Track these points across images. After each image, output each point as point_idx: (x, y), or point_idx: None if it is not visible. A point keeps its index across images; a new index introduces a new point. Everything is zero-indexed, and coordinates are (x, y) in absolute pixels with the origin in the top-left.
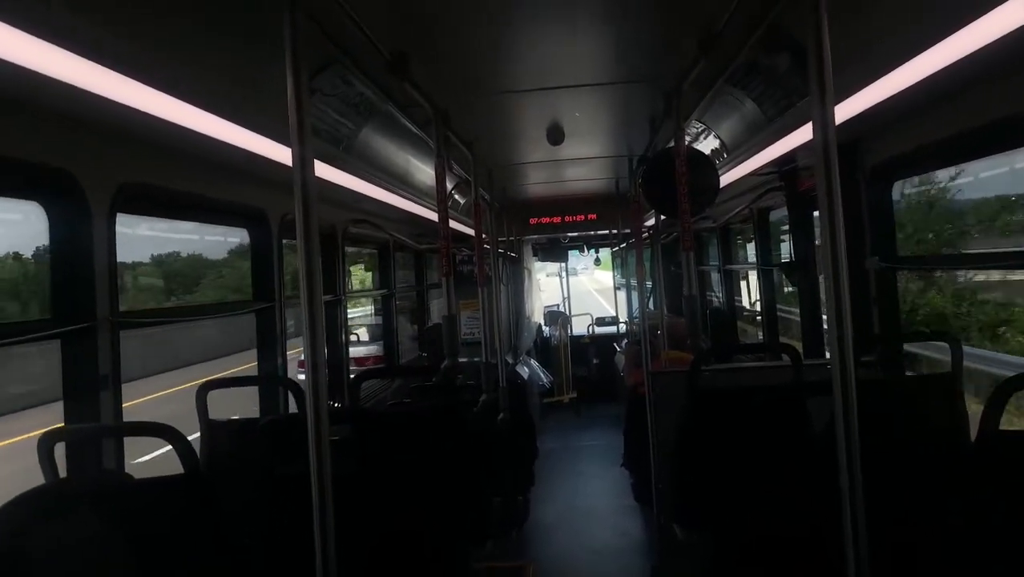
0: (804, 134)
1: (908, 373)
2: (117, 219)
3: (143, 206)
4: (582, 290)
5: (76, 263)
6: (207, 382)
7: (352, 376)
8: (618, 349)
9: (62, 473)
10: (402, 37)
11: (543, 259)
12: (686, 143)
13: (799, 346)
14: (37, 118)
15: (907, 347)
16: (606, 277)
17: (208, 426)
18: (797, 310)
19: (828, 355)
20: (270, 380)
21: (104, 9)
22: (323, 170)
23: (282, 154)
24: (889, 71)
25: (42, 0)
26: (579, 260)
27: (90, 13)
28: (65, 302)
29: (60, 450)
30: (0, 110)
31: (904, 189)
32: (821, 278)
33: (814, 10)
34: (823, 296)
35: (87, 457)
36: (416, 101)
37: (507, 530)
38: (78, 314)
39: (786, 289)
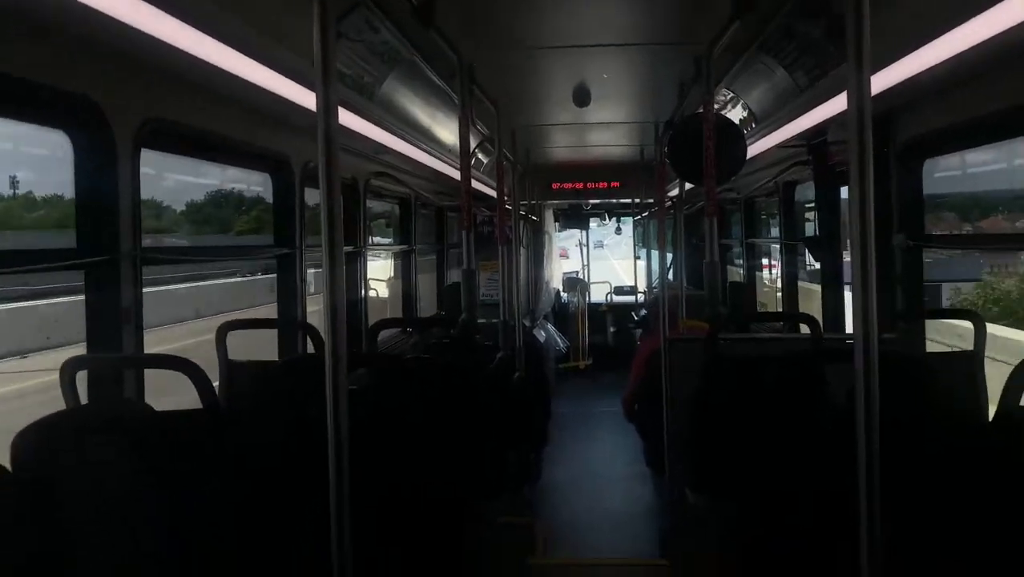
0: (835, 106)
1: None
2: (141, 155)
3: (167, 143)
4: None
5: (100, 196)
6: (227, 323)
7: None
8: (635, 317)
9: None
10: None
11: (564, 226)
12: (714, 110)
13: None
14: (65, 46)
15: None
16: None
17: (227, 366)
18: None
19: (849, 330)
20: (289, 324)
21: None
22: (346, 118)
23: (306, 99)
24: (927, 42)
25: None
26: (605, 233)
27: None
28: (89, 234)
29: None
30: (29, 36)
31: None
32: (846, 254)
33: None
34: (847, 272)
35: (108, 386)
36: (442, 51)
37: (520, 486)
38: (102, 247)
39: (808, 267)
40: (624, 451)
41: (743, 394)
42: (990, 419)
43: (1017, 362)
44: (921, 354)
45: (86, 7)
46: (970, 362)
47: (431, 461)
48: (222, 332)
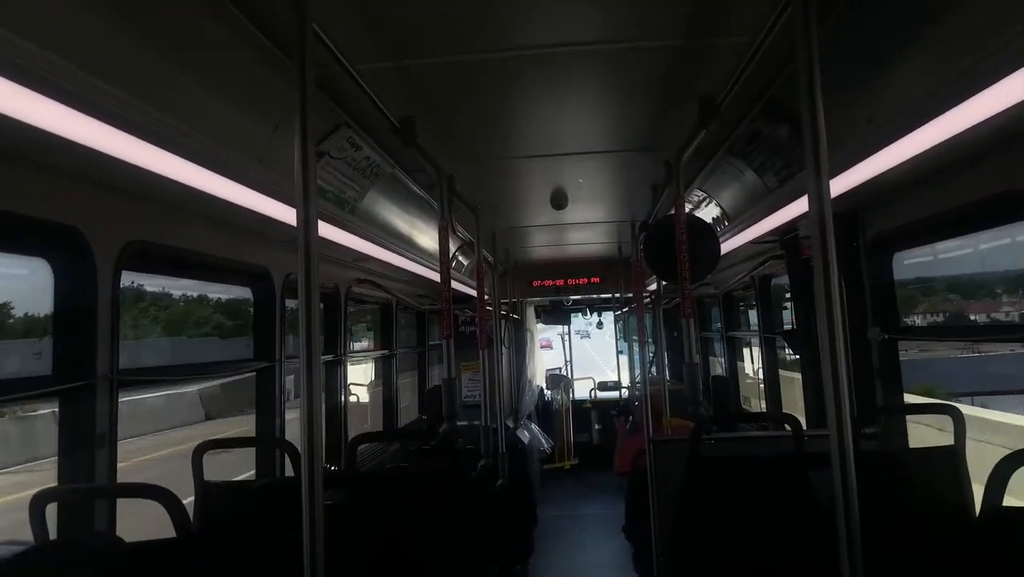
0: (805, 204)
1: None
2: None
3: (148, 264)
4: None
5: (79, 320)
6: (203, 443)
7: (350, 438)
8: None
9: (52, 534)
10: (409, 103)
11: (546, 321)
12: (687, 210)
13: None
14: (47, 176)
15: None
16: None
17: (203, 487)
18: (796, 375)
19: None
20: (267, 442)
21: (115, 72)
22: (328, 230)
23: (287, 214)
24: (888, 144)
25: (53, 62)
26: (589, 323)
27: (101, 76)
28: (66, 359)
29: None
30: (11, 167)
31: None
32: None
33: (808, 86)
34: None
35: (79, 518)
36: (422, 165)
37: None
38: (78, 371)
39: (788, 357)
40: (612, 556)
41: (728, 497)
42: (976, 515)
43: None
44: (903, 449)
45: (70, 141)
46: (952, 456)
47: (413, 576)
48: (198, 453)
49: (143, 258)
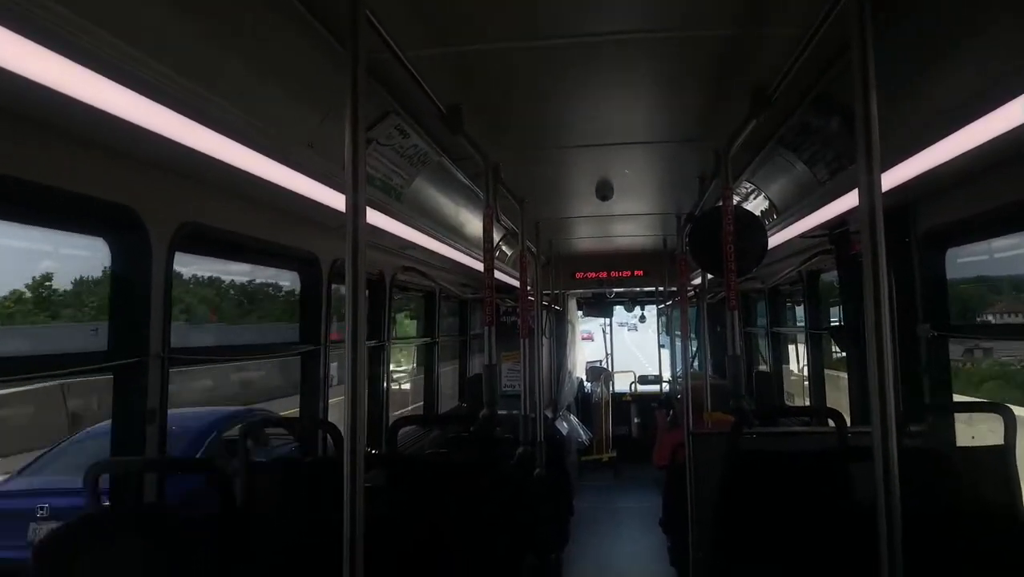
0: (855, 198)
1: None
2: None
3: (200, 245)
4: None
5: (133, 298)
6: (250, 422)
7: (391, 422)
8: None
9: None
10: (457, 91)
11: (587, 314)
12: (735, 203)
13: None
14: (106, 157)
15: None
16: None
17: (248, 465)
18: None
19: None
20: (310, 422)
21: (176, 57)
22: (375, 217)
23: (336, 200)
24: (942, 138)
25: (114, 46)
26: (632, 318)
27: (159, 60)
28: (120, 336)
29: None
30: (72, 148)
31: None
32: None
33: (863, 78)
34: None
35: (130, 489)
36: (468, 154)
37: None
38: (131, 348)
39: (834, 355)
40: (648, 549)
41: (768, 493)
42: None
43: None
44: (949, 448)
45: (129, 122)
46: (1000, 456)
47: (448, 562)
48: (244, 432)
49: (196, 239)
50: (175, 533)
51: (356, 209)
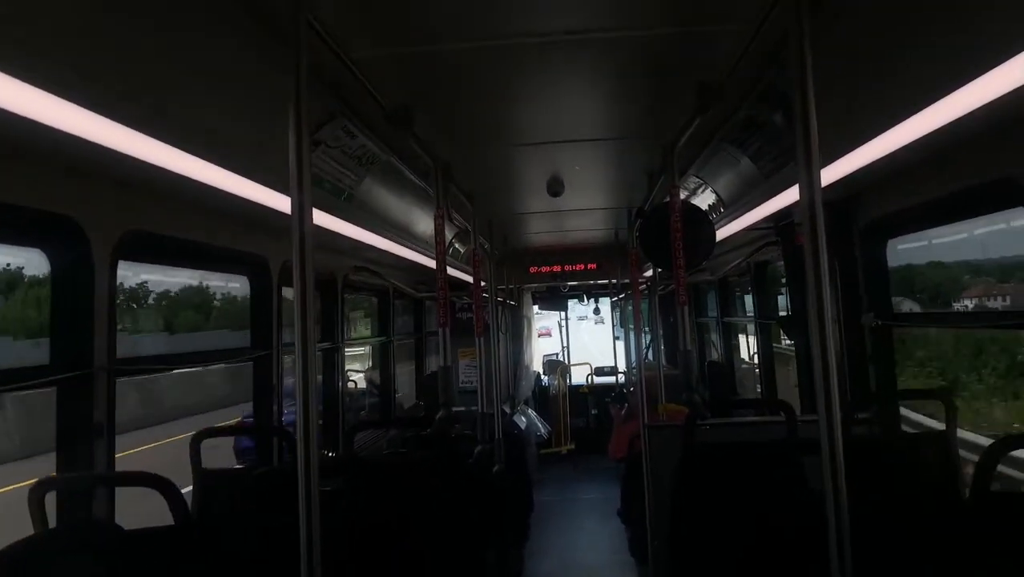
0: (798, 192)
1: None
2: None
3: (146, 253)
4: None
5: (76, 310)
6: (201, 431)
7: (347, 426)
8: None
9: (52, 523)
10: (404, 91)
11: (543, 308)
12: (683, 197)
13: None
14: (44, 167)
15: None
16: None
17: (200, 476)
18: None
19: None
20: (264, 429)
21: (110, 64)
22: (324, 219)
23: (283, 203)
24: (881, 132)
25: (48, 55)
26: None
27: (96, 68)
28: (63, 349)
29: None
30: (8, 159)
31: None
32: None
33: (801, 77)
34: None
35: (78, 506)
36: (418, 153)
37: None
38: (75, 361)
39: (784, 343)
40: (607, 540)
41: (722, 482)
42: (964, 501)
43: None
44: (894, 435)
45: (66, 133)
46: (944, 442)
47: (409, 562)
48: (196, 441)
49: (140, 248)
50: (127, 549)
51: (302, 210)
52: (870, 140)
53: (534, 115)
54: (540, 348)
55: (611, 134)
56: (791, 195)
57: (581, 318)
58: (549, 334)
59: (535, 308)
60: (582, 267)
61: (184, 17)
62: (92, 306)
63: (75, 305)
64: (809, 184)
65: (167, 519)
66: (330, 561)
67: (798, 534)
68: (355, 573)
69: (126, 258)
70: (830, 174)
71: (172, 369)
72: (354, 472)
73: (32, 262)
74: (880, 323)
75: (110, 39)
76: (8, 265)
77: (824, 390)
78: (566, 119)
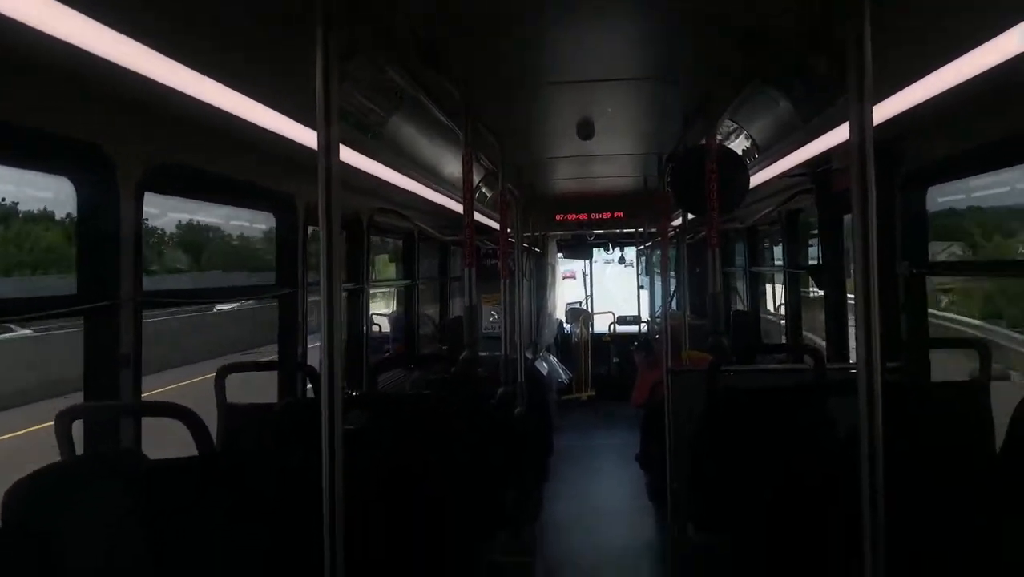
0: (838, 136)
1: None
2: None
3: (171, 185)
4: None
5: (102, 241)
6: (226, 366)
7: (371, 364)
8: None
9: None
10: (434, 26)
11: (567, 256)
12: (717, 141)
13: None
14: (70, 92)
15: None
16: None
17: (225, 410)
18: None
19: (853, 359)
20: (288, 366)
21: None
22: (350, 156)
23: (311, 138)
24: (930, 72)
25: None
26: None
27: None
28: (89, 279)
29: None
30: (34, 82)
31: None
32: (849, 282)
33: (857, 9)
34: (851, 300)
35: (104, 436)
36: (446, 91)
37: (519, 524)
38: (102, 292)
39: (810, 293)
40: (626, 485)
41: (745, 427)
42: (997, 452)
43: None
44: (926, 384)
45: (89, 54)
46: (976, 392)
47: (430, 501)
48: (221, 376)
49: (167, 179)
50: (151, 479)
51: (329, 146)
52: (916, 80)
53: (566, 52)
54: (564, 295)
55: (646, 74)
56: (830, 140)
57: (607, 261)
58: (573, 277)
59: (559, 255)
60: (609, 215)
61: None
62: (119, 237)
63: (101, 236)
64: (860, 122)
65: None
66: (352, 499)
67: (823, 480)
68: (377, 511)
69: (153, 189)
70: (876, 115)
71: (198, 302)
72: (377, 410)
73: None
74: (915, 272)
75: None
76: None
77: (865, 337)
78: (598, 57)
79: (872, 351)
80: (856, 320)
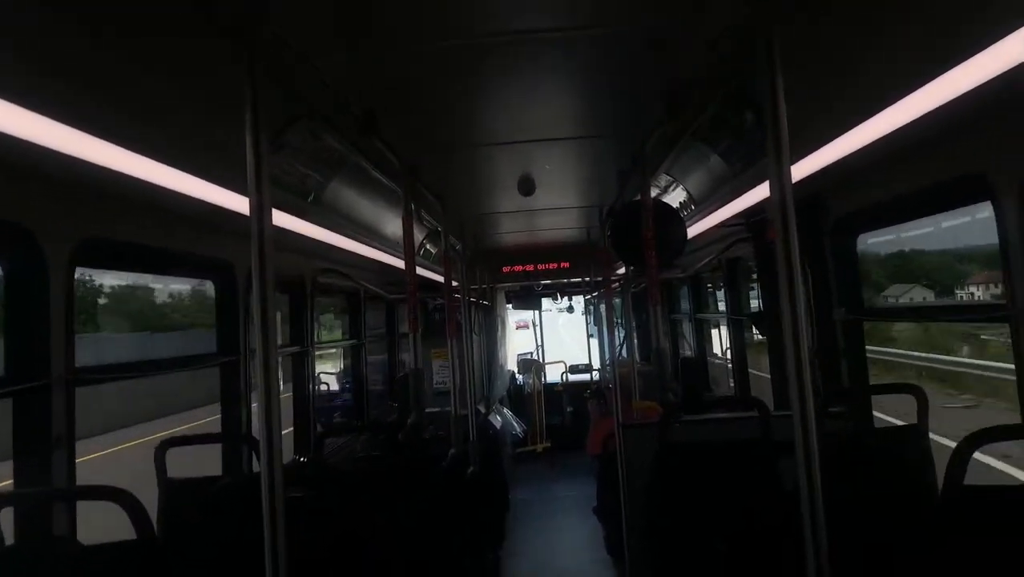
0: (768, 188)
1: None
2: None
3: (103, 259)
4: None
5: (32, 319)
6: (166, 439)
7: (318, 431)
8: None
9: (9, 540)
10: (370, 94)
11: (516, 307)
12: (654, 195)
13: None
14: None
15: None
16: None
17: (166, 485)
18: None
19: None
20: (232, 436)
21: (63, 68)
22: (291, 221)
23: (247, 206)
24: (849, 129)
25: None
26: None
27: (48, 72)
28: (19, 359)
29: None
30: None
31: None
32: None
33: (770, 76)
34: None
35: (37, 523)
36: (384, 155)
37: None
38: (32, 372)
39: (756, 337)
40: (584, 539)
41: (696, 478)
42: (938, 494)
43: None
44: (867, 429)
45: (11, 137)
46: (916, 436)
47: (380, 567)
48: (161, 450)
49: (99, 254)
50: (88, 566)
51: (261, 212)
52: (839, 136)
53: (502, 115)
54: (515, 345)
55: (581, 133)
56: (761, 192)
57: (560, 310)
58: (527, 326)
59: (509, 306)
60: (555, 266)
61: (137, 15)
62: (48, 315)
63: (30, 313)
64: (780, 181)
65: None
66: (300, 568)
67: (773, 530)
68: None
69: (84, 264)
70: (800, 171)
71: (135, 376)
72: (324, 479)
73: None
74: (851, 317)
75: (59, 39)
76: None
77: (798, 385)
78: (535, 118)
79: (806, 399)
80: (788, 369)
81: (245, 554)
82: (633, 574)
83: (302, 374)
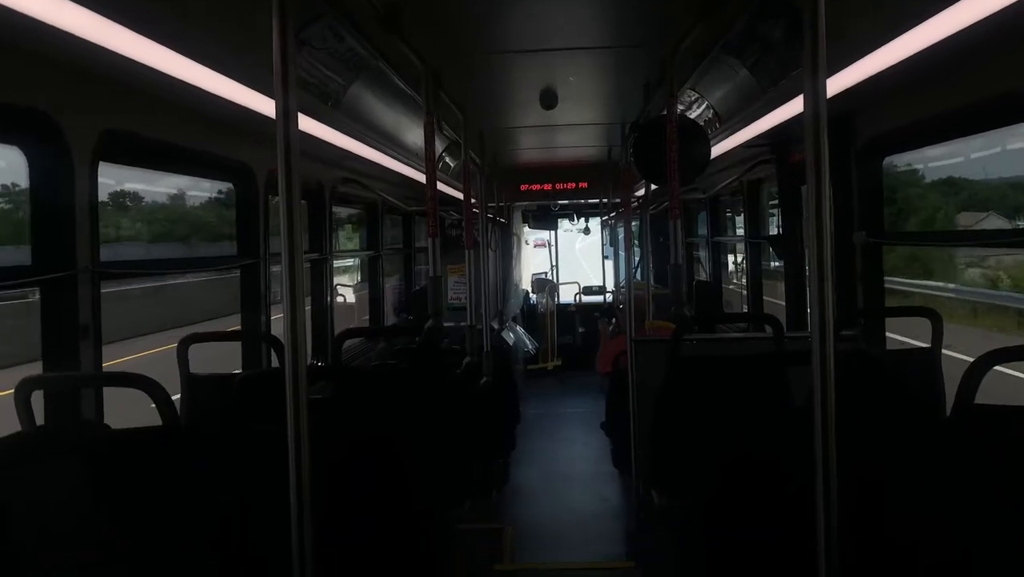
0: (797, 106)
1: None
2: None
3: (126, 155)
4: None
5: (57, 211)
6: (189, 336)
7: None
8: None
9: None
10: None
11: (533, 226)
12: (679, 112)
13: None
14: (21, 61)
15: None
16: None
17: (189, 380)
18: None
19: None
20: (252, 337)
21: None
22: (310, 125)
23: (269, 107)
24: (884, 43)
25: None
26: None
27: None
28: (46, 250)
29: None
30: None
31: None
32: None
33: None
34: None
35: (65, 407)
36: (407, 59)
37: (486, 492)
38: (59, 263)
39: (772, 264)
40: (592, 451)
41: (706, 395)
42: (947, 415)
43: None
44: (880, 352)
45: (39, 22)
46: (928, 359)
47: (395, 470)
48: (184, 345)
49: (122, 149)
50: (113, 451)
51: (287, 114)
52: (871, 52)
53: (529, 20)
54: (530, 265)
55: (608, 42)
56: (788, 110)
57: (577, 231)
58: (545, 245)
59: (525, 226)
60: (573, 186)
61: None
62: (74, 207)
63: (56, 206)
64: (814, 93)
65: None
66: (318, 468)
67: (782, 445)
68: (342, 481)
69: (107, 159)
70: (832, 87)
71: (157, 273)
72: (342, 381)
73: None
74: (872, 241)
75: None
76: None
77: (819, 306)
78: (561, 25)
79: (826, 320)
80: (810, 289)
81: (266, 449)
82: (639, 483)
83: (320, 281)
